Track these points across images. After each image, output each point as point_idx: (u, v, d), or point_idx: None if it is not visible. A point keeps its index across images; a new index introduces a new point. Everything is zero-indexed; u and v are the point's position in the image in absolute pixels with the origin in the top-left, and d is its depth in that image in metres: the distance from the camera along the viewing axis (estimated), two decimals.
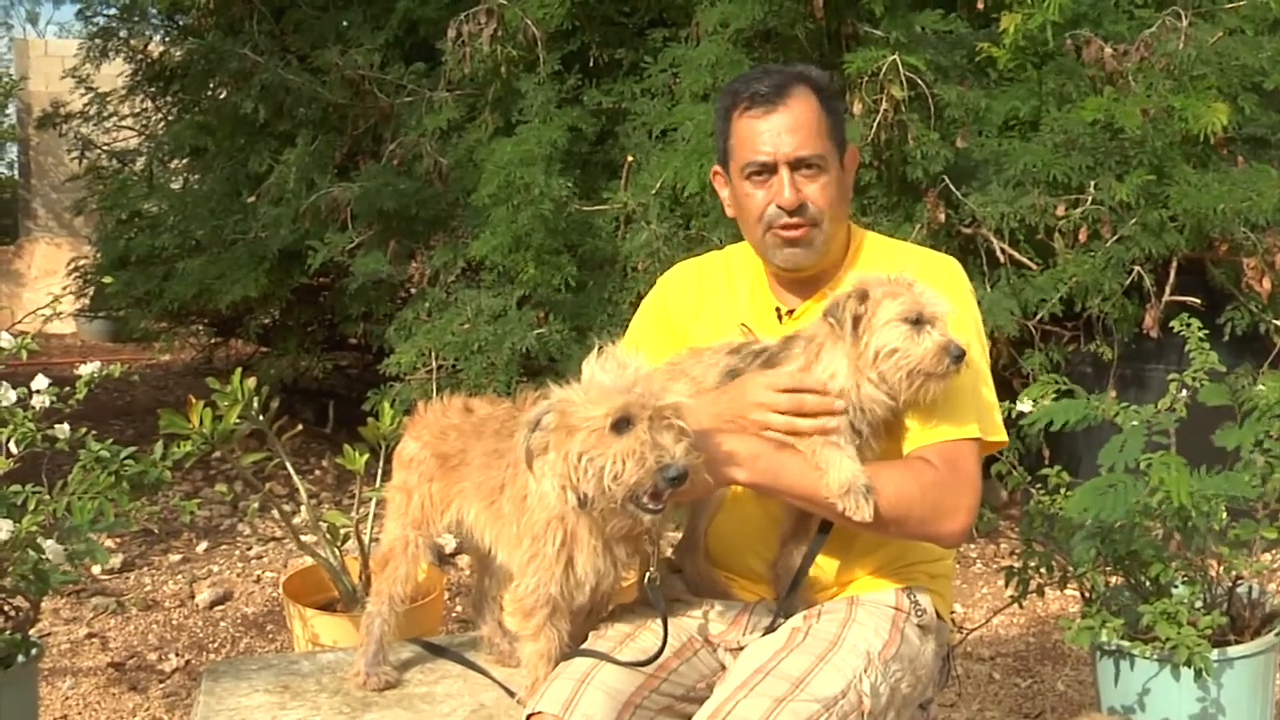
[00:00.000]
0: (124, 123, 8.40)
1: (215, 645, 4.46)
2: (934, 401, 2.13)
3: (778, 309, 2.40)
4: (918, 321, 2.08)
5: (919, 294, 2.10)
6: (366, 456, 3.49)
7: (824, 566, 2.28)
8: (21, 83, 13.62)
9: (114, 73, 7.99)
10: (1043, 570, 3.21)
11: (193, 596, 4.92)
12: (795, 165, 2.27)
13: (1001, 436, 2.26)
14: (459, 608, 4.63)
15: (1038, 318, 4.83)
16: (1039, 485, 3.33)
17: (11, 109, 14.61)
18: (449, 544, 4.75)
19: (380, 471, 3.27)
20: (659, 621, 2.12)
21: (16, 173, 14.53)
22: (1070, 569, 3.19)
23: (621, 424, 1.87)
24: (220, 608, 4.82)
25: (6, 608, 2.98)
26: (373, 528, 3.59)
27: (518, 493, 2.09)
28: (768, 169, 2.29)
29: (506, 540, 2.15)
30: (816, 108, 2.29)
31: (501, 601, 2.25)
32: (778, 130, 2.27)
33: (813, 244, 2.31)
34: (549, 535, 2.04)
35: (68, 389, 3.18)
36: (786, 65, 2.41)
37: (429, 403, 2.41)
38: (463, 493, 2.25)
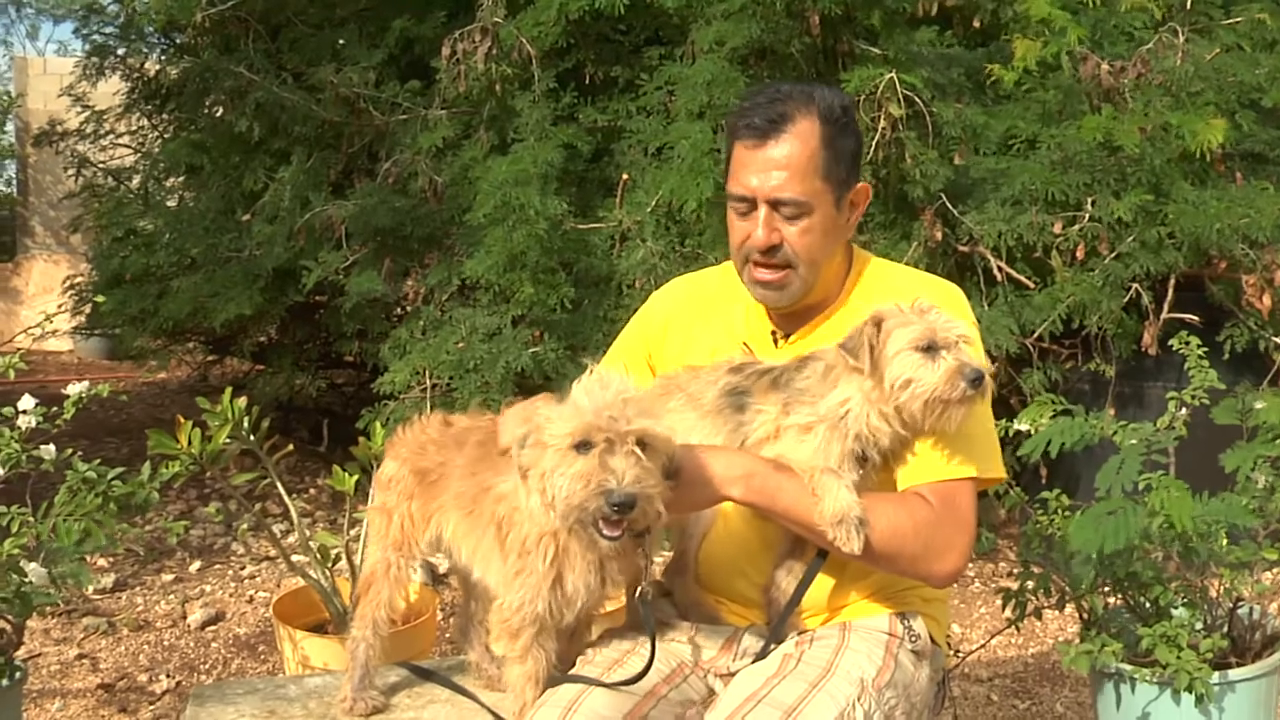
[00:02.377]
0: (120, 140, 8.38)
1: (206, 666, 4.41)
2: (932, 438, 2.10)
3: (774, 333, 2.36)
4: (929, 348, 2.03)
5: (933, 320, 2.05)
6: (357, 476, 3.46)
7: (817, 590, 2.23)
8: (20, 100, 13.63)
9: (111, 90, 7.97)
10: (1040, 593, 3.17)
11: (185, 617, 4.87)
12: (774, 205, 2.20)
13: (1000, 474, 2.22)
14: (452, 628, 4.59)
15: (1036, 336, 4.81)
16: (1037, 505, 3.29)
17: (10, 126, 14.61)
18: (443, 564, 4.71)
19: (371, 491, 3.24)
20: (647, 647, 2.08)
21: (15, 190, 14.52)
22: (1068, 590, 3.15)
23: (581, 446, 1.86)
24: (212, 628, 4.78)
25: None
26: (363, 548, 3.56)
27: (500, 504, 2.06)
28: (749, 202, 2.23)
29: (484, 553, 2.12)
30: (814, 144, 2.19)
31: (488, 625, 2.21)
32: (765, 166, 2.19)
33: (786, 287, 2.25)
34: (540, 550, 2.01)
35: (55, 409, 3.14)
36: (800, 86, 2.28)
37: (407, 423, 2.38)
38: (442, 507, 2.22)
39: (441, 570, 4.92)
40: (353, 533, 3.59)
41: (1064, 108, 5.14)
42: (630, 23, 5.60)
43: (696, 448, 2.08)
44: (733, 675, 2.15)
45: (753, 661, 2.15)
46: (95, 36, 7.70)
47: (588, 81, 5.68)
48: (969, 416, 2.08)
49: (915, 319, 2.06)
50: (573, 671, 2.13)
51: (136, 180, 7.94)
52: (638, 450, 1.87)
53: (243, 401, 3.32)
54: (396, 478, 2.30)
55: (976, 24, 5.41)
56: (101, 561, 5.34)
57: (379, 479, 2.37)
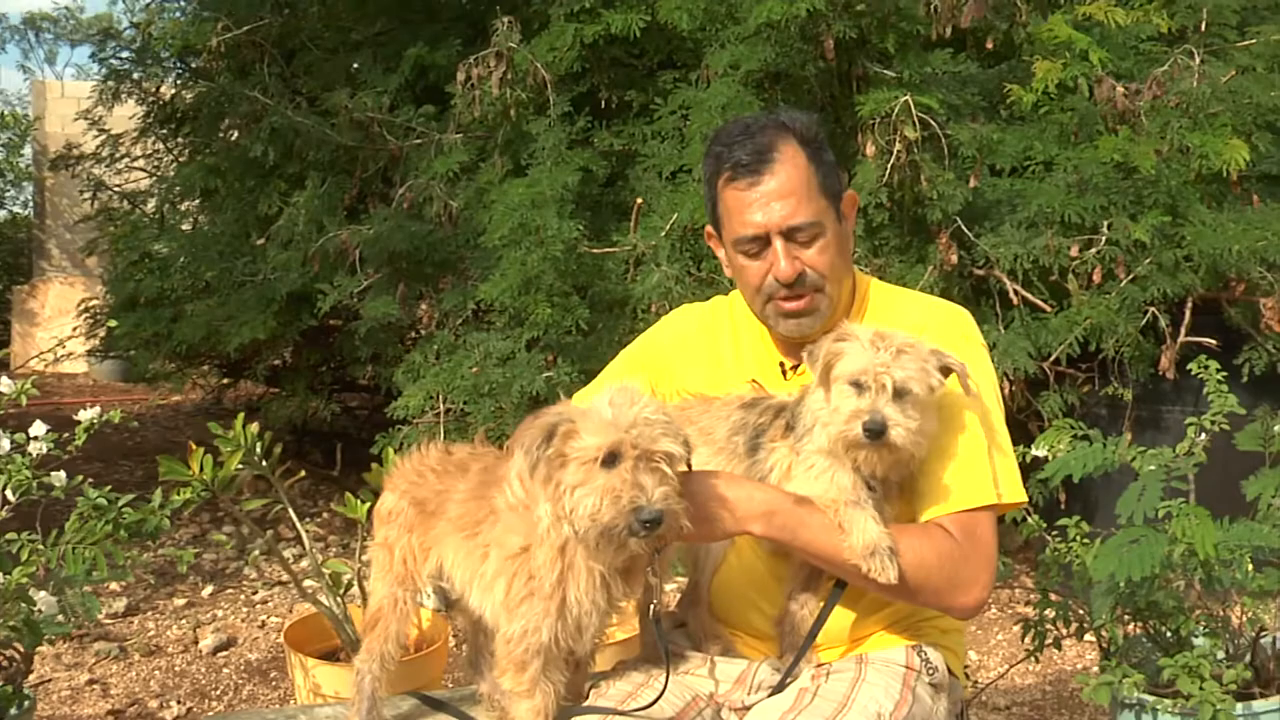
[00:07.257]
0: (136, 164, 8.41)
1: (218, 693, 4.38)
2: (949, 466, 2.08)
3: (781, 364, 2.34)
4: (858, 384, 1.98)
5: (874, 357, 1.97)
6: (370, 503, 3.43)
7: (834, 623, 2.20)
8: (37, 123, 13.74)
9: (126, 114, 8.01)
10: (1059, 623, 3.12)
11: (196, 642, 4.85)
12: (789, 234, 2.17)
13: (1020, 497, 2.19)
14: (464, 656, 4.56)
15: (1052, 359, 4.77)
16: (1055, 533, 3.25)
17: (28, 150, 14.73)
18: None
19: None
20: (661, 679, 2.05)
21: (31, 213, 14.61)
22: (1088, 618, 3.10)
23: (610, 460, 1.84)
24: (224, 654, 4.75)
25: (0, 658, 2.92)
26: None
27: (497, 536, 2.03)
28: (760, 241, 2.19)
29: (481, 582, 2.09)
30: (804, 165, 2.18)
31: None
32: (766, 200, 2.17)
33: (817, 310, 2.23)
34: (544, 572, 1.97)
35: (66, 434, 3.13)
36: (767, 117, 2.27)
37: (406, 455, 2.34)
38: (439, 538, 2.18)
39: (455, 595, 4.88)
40: (364, 559, 3.56)
41: (1080, 130, 5.12)
42: (644, 47, 5.60)
43: (714, 478, 2.05)
44: (748, 709, 2.12)
45: (768, 695, 2.12)
46: (112, 61, 7.76)
47: (603, 106, 5.69)
48: (979, 445, 2.07)
49: (861, 350, 1.99)
50: (585, 705, 2.10)
51: (151, 204, 7.96)
52: (665, 466, 1.85)
53: (255, 427, 3.30)
54: (396, 510, 2.26)
55: (989, 45, 5.39)
56: (114, 586, 5.32)
57: (379, 512, 2.32)
